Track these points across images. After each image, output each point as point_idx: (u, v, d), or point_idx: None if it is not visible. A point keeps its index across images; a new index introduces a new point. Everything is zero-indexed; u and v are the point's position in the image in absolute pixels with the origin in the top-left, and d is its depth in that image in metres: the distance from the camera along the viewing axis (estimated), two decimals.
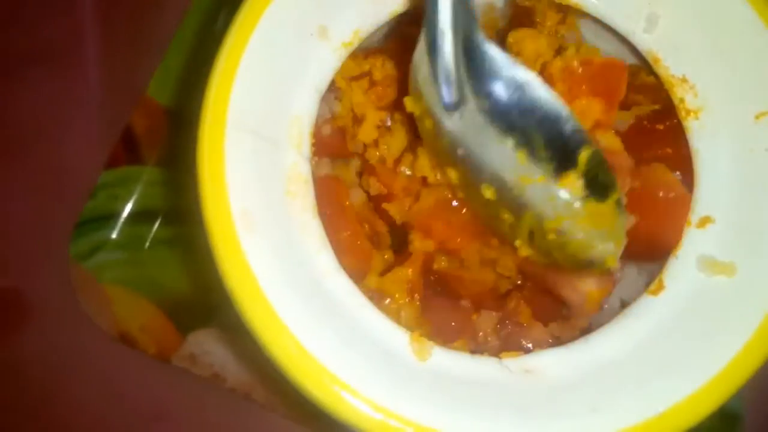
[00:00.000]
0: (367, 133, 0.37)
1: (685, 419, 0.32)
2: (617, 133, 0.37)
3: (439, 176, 0.36)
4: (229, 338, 0.52)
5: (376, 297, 0.37)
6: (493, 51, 0.31)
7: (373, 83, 0.39)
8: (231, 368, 0.52)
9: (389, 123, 0.38)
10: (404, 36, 0.40)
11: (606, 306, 0.38)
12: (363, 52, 0.39)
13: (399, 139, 0.38)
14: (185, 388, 0.52)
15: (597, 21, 0.39)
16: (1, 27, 0.58)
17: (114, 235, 0.54)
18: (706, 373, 0.32)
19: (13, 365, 0.53)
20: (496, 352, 0.35)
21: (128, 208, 0.54)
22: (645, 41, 0.38)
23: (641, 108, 0.39)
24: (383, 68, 0.39)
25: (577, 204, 0.31)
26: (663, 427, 0.31)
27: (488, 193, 0.33)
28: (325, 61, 0.37)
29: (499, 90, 0.31)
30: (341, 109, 0.39)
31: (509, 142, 0.31)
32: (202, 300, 0.53)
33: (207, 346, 0.53)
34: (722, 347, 0.33)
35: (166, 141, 0.55)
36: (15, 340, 0.53)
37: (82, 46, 0.58)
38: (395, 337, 0.34)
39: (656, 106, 0.38)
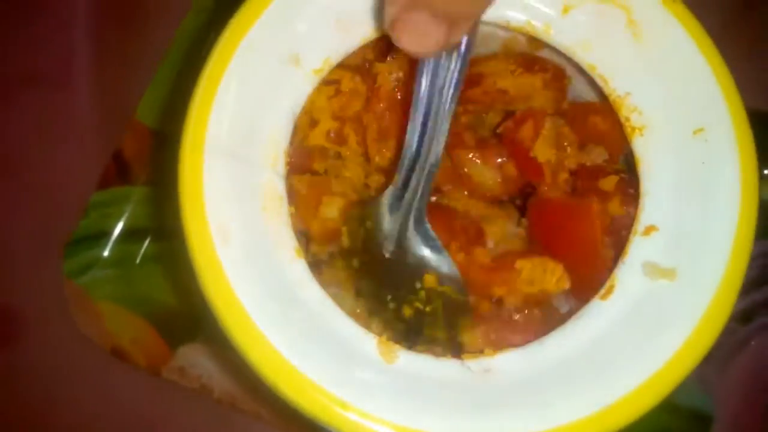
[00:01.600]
0: (317, 137, 0.40)
1: (629, 411, 0.34)
2: None
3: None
4: (216, 351, 0.54)
5: None
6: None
7: (338, 92, 0.41)
8: (218, 379, 0.54)
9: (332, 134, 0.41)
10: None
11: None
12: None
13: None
14: (174, 399, 0.54)
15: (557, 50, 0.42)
16: None
17: (106, 253, 0.55)
18: (649, 369, 0.34)
19: (7, 380, 0.54)
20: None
21: (119, 226, 0.55)
22: (592, 66, 0.41)
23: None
24: (352, 81, 0.42)
25: None
26: (609, 418, 0.34)
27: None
28: (298, 86, 0.39)
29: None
30: (301, 112, 0.40)
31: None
32: (190, 314, 0.54)
33: (195, 359, 0.54)
34: (663, 345, 0.35)
35: (154, 162, 0.57)
36: (8, 355, 0.54)
37: (73, 69, 0.60)
38: (365, 341, 0.36)
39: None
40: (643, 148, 0.39)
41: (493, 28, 0.42)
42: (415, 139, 0.34)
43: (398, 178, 0.37)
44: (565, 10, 0.40)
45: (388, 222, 0.39)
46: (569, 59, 0.41)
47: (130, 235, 0.56)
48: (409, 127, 0.34)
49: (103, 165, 0.56)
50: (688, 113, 0.39)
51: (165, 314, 0.55)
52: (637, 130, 0.39)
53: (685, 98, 0.39)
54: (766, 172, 0.53)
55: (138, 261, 0.56)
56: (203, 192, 0.35)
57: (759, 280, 0.55)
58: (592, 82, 0.42)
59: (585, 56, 0.40)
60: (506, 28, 0.41)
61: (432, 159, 0.34)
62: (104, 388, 0.54)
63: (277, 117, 0.39)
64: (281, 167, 0.39)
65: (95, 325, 0.54)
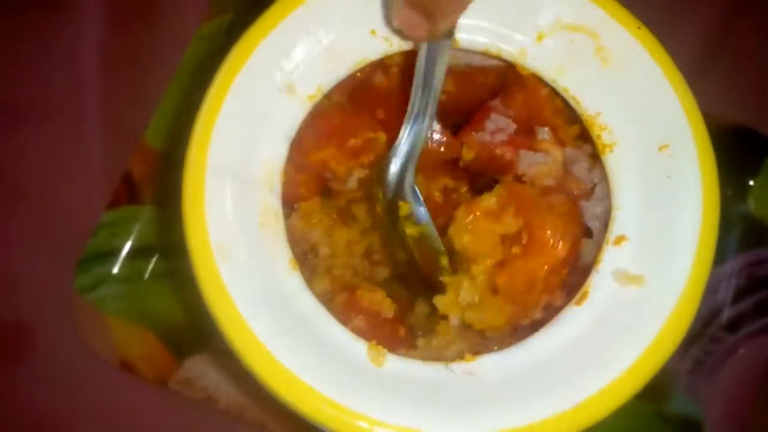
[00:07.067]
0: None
1: (599, 409, 0.36)
2: None
3: None
4: (221, 362, 0.55)
5: None
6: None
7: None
8: (223, 390, 0.55)
9: None
10: None
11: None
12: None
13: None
14: (181, 411, 0.55)
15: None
16: (3, 77, 0.61)
17: (115, 270, 0.57)
18: (617, 370, 0.37)
19: (17, 394, 0.55)
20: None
21: (128, 245, 0.57)
22: (566, 88, 0.43)
23: None
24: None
25: None
26: (580, 415, 0.36)
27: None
28: (293, 112, 0.42)
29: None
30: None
31: None
32: (196, 328, 0.56)
33: (201, 371, 0.55)
34: (630, 348, 0.37)
35: (162, 183, 0.59)
36: (18, 370, 0.55)
37: (82, 96, 0.61)
38: (356, 347, 0.39)
39: None
40: (614, 163, 0.42)
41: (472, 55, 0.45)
42: (417, 101, 0.40)
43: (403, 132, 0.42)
44: (539, 38, 0.43)
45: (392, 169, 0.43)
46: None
47: (139, 252, 0.57)
48: (412, 93, 0.41)
49: (112, 187, 0.58)
50: (653, 131, 0.41)
51: (172, 328, 0.56)
52: (607, 147, 0.42)
53: (650, 117, 0.41)
54: (751, 183, 0.56)
55: (146, 277, 0.57)
56: (205, 211, 0.38)
57: (746, 290, 0.57)
58: None
59: (559, 79, 0.43)
60: (485, 54, 0.44)
61: (429, 112, 0.41)
62: (111, 400, 0.56)
63: (274, 141, 0.41)
64: (277, 186, 0.41)
65: (104, 339, 0.56)
